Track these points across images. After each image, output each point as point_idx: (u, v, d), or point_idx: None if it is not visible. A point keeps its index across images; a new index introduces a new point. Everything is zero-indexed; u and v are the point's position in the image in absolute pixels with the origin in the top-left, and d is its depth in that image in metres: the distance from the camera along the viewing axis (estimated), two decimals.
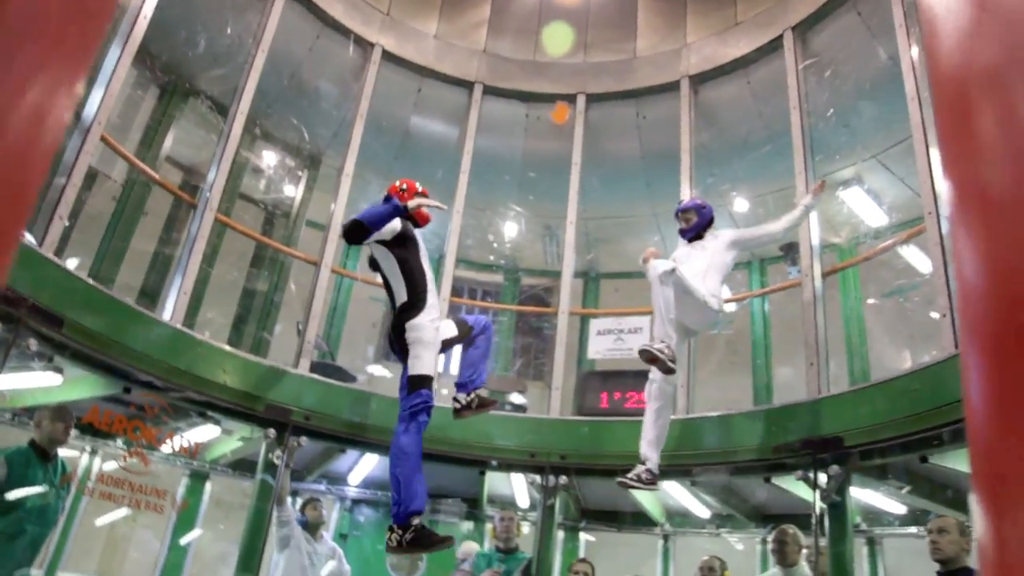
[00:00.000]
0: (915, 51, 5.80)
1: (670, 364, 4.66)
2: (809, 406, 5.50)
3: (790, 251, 8.47)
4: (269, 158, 8.50)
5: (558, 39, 8.33)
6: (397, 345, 4.42)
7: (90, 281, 5.12)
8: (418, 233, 4.73)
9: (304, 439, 5.97)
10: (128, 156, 6.31)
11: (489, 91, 8.08)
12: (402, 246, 4.49)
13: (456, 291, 7.56)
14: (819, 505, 5.18)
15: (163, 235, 7.43)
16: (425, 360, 4.29)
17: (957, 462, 5.01)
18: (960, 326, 0.76)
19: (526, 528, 6.79)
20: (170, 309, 5.71)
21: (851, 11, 6.75)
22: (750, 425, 5.80)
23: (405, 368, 4.37)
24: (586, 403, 6.66)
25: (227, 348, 6.02)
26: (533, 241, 9.42)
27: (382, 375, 8.79)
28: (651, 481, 4.91)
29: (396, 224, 4.41)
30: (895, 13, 5.98)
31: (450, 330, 4.63)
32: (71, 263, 5.24)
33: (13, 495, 4.37)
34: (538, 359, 9.21)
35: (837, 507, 5.16)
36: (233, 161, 6.53)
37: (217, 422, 6.37)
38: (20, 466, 4.47)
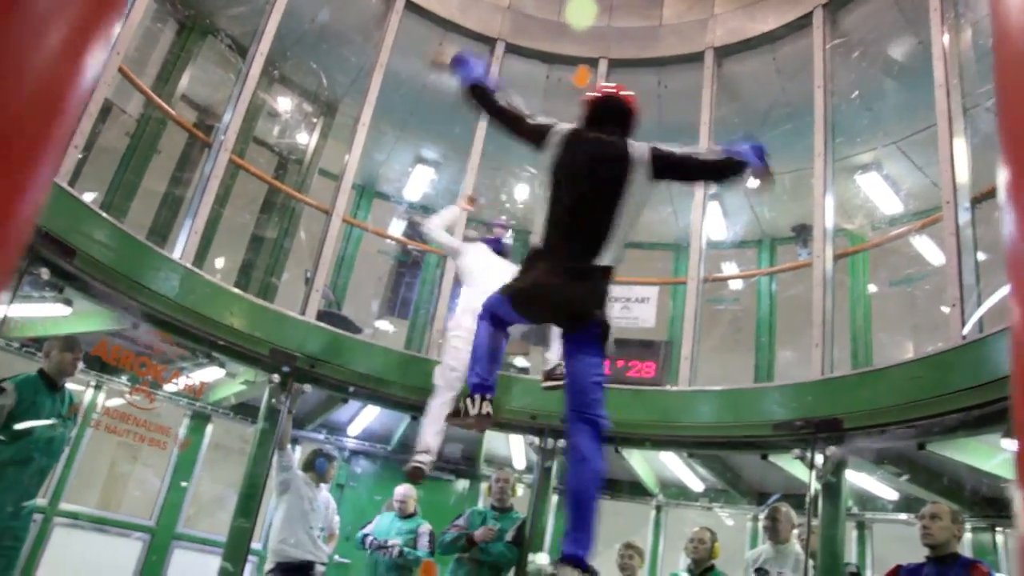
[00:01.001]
0: (947, 38, 5.70)
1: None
2: (811, 386, 5.52)
3: (802, 232, 8.44)
4: (285, 103, 8.41)
5: (581, 10, 8.19)
6: (589, 319, 3.13)
7: (103, 214, 5.10)
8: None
9: (308, 386, 6.01)
10: (145, 90, 6.26)
11: (511, 49, 7.97)
12: None
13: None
14: (814, 485, 5.24)
15: (176, 174, 7.39)
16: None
17: (955, 451, 5.05)
18: (1013, 298, 0.75)
19: (521, 490, 6.87)
20: (180, 248, 5.70)
21: None
22: (751, 401, 5.84)
23: (597, 355, 3.15)
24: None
25: (235, 290, 6.03)
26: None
27: (387, 329, 8.84)
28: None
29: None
30: None
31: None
32: (86, 196, 5.22)
33: (21, 423, 4.40)
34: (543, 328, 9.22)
35: (832, 488, 5.21)
36: (250, 103, 6.47)
37: (222, 364, 6.42)
38: (29, 394, 4.50)
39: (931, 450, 5.04)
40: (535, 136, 3.35)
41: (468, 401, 3.52)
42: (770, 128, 7.72)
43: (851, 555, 6.47)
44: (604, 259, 3.08)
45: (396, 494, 6.52)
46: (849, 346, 7.54)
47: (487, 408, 3.48)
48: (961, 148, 5.26)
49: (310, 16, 7.55)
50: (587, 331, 3.11)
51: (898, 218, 7.90)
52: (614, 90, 3.54)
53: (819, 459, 5.27)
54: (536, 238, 3.18)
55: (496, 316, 3.38)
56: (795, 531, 5.62)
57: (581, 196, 3.15)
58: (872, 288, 7.92)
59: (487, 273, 5.32)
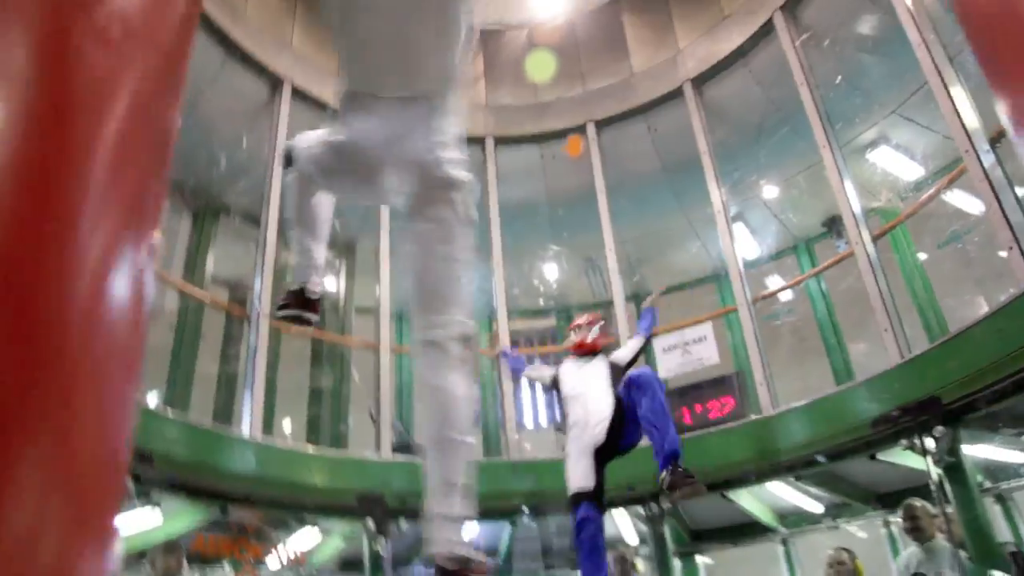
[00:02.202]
0: None
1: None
2: (896, 373, 5.34)
3: (834, 224, 8.34)
4: None
5: (541, 67, 8.46)
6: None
7: (169, 413, 5.26)
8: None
9: (403, 523, 5.96)
10: (179, 285, 6.53)
11: (500, 141, 8.21)
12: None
13: (513, 343, 7.56)
14: (935, 471, 4.99)
15: (224, 352, 7.60)
16: (572, 476, 4.12)
17: None
18: None
19: (641, 564, 6.64)
20: (247, 423, 5.81)
21: None
22: (841, 406, 5.65)
23: None
24: None
25: (308, 449, 6.09)
26: (578, 276, 9.41)
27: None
28: None
29: (545, 375, 4.83)
30: None
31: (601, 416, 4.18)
32: (150, 399, 5.39)
33: None
34: None
35: (954, 469, 4.96)
36: (274, 266, 6.71)
37: (315, 524, 6.41)
38: None
39: None
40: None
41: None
42: (767, 137, 7.77)
43: (1001, 531, 6.08)
44: None
45: None
46: (919, 321, 7.31)
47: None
48: (961, 96, 5.23)
49: None
50: None
51: (923, 181, 7.78)
52: None
53: (930, 443, 5.05)
54: None
55: None
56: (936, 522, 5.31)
57: None
58: (922, 256, 7.73)
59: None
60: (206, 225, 7.96)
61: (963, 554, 4.89)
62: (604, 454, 4.13)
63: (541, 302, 9.52)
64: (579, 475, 4.06)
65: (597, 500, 4.01)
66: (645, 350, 4.87)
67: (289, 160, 2.40)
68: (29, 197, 0.66)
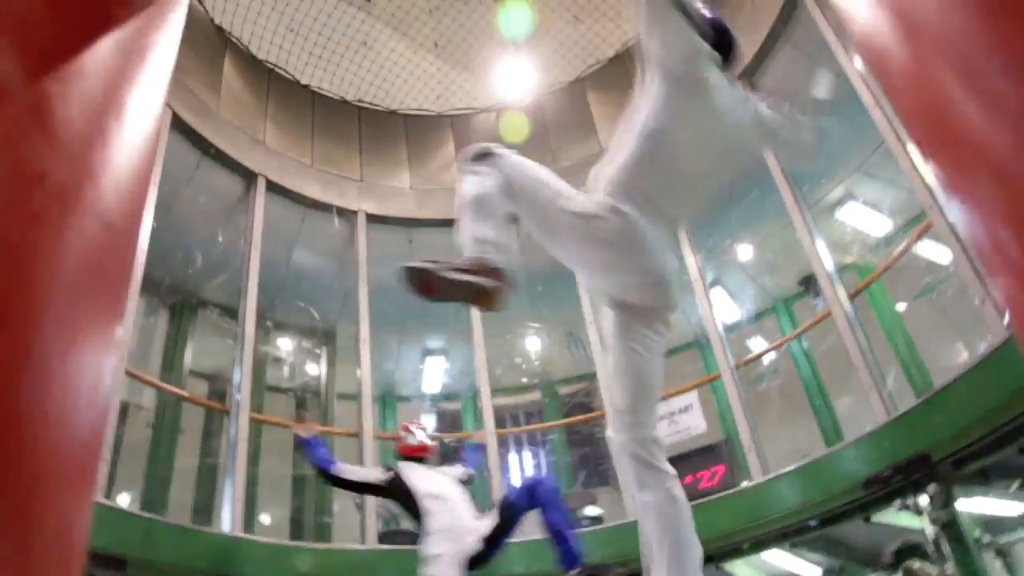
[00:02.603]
0: (858, 62, 5.96)
1: (466, 277, 2.01)
2: (884, 431, 5.28)
3: (810, 284, 8.42)
4: (286, 345, 8.64)
5: (514, 128, 8.63)
6: None
7: (144, 515, 5.10)
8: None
9: None
10: (155, 382, 6.43)
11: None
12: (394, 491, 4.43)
13: (499, 421, 7.46)
14: (930, 529, 4.90)
15: (204, 447, 7.45)
16: None
17: None
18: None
19: None
20: (228, 520, 5.64)
21: (785, 45, 7.01)
22: (831, 468, 5.57)
23: None
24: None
25: (291, 543, 5.91)
26: (559, 350, 9.39)
27: None
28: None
29: (381, 477, 4.50)
30: (827, 36, 6.20)
31: (485, 524, 4.07)
32: (122, 499, 5.24)
33: None
34: (600, 465, 8.98)
35: (951, 526, 4.86)
36: (253, 359, 6.64)
37: None
38: None
39: None
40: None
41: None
42: (738, 201, 7.91)
43: None
44: None
45: None
46: (903, 375, 7.32)
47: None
48: (917, 151, 5.35)
49: (284, 261, 7.91)
50: None
51: (893, 235, 7.91)
52: None
53: (924, 501, 4.97)
54: None
55: None
56: None
57: None
58: (900, 308, 7.79)
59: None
60: (183, 320, 7.92)
61: None
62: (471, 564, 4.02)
63: (524, 380, 9.46)
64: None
65: None
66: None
67: (484, 157, 2.25)
68: None
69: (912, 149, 5.38)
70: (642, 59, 2.32)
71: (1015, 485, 5.34)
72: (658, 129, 2.23)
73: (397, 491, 4.35)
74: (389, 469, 4.51)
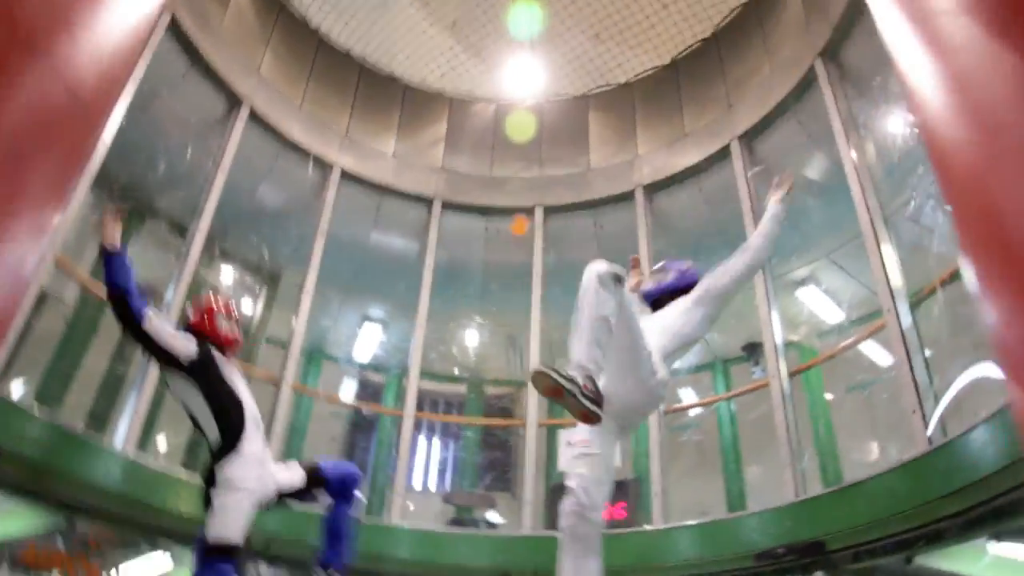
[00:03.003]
0: (855, 155, 6.06)
1: (589, 405, 2.35)
2: (789, 510, 5.37)
3: (753, 352, 8.54)
4: (228, 276, 8.39)
5: (520, 127, 8.57)
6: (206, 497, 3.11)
7: (32, 409, 4.85)
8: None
9: (263, 567, 5.60)
10: (84, 279, 6.17)
11: (448, 206, 8.20)
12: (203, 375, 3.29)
13: (419, 404, 7.37)
14: None
15: (116, 355, 7.18)
16: (230, 521, 3.04)
17: (944, 560, 4.89)
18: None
19: None
20: (122, 434, 5.43)
21: (791, 120, 7.09)
22: (729, 532, 5.63)
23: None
24: (557, 521, 6.41)
25: (181, 474, 5.71)
26: (497, 351, 9.34)
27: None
28: None
29: (191, 348, 3.27)
30: (833, 122, 6.28)
31: (292, 477, 3.32)
32: (15, 386, 4.99)
33: None
34: (506, 472, 8.95)
35: None
36: (192, 280, 6.42)
37: (168, 550, 5.96)
38: None
39: (920, 562, 4.86)
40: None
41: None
42: (705, 254, 7.93)
43: None
44: None
45: None
46: (816, 459, 7.46)
47: None
48: (890, 255, 5.46)
49: (249, 192, 7.69)
50: None
51: (842, 327, 8.06)
52: None
53: None
54: None
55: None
56: None
57: None
58: (828, 397, 7.95)
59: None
60: (130, 226, 7.62)
61: None
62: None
63: (456, 370, 9.38)
64: (240, 522, 3.05)
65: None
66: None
67: (618, 281, 2.52)
68: None
69: (887, 250, 5.48)
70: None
71: None
72: (691, 336, 3.08)
73: (204, 376, 3.25)
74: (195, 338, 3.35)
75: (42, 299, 6.22)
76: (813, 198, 7.34)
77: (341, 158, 7.87)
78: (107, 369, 7.11)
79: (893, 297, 5.29)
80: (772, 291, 6.55)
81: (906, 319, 5.19)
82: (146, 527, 5.31)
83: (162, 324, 3.23)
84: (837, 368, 7.80)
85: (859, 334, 6.66)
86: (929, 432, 4.71)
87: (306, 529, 5.84)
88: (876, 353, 7.30)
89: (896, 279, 5.37)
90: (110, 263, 3.25)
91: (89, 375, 6.97)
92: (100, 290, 6.39)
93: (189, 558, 5.94)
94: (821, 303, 8.17)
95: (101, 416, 6.65)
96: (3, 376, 5.08)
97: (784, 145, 7.23)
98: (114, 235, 3.31)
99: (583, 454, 2.76)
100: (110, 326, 7.16)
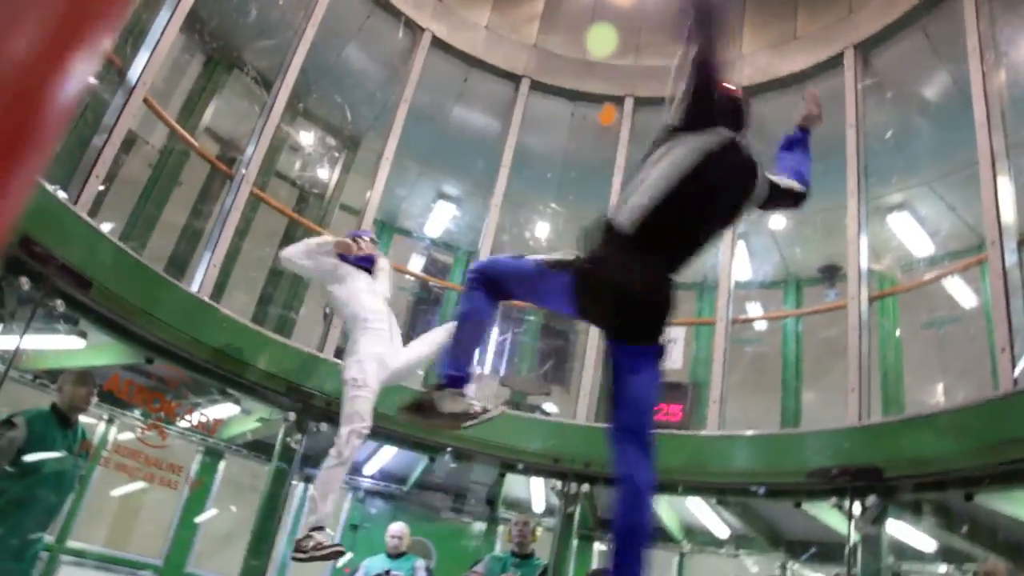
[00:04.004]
0: (985, 79, 5.57)
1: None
2: (849, 433, 5.30)
3: (830, 275, 8.27)
4: (308, 137, 8.38)
5: (602, 40, 8.15)
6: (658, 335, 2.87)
7: (122, 245, 5.00)
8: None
9: (324, 425, 5.84)
10: (169, 121, 6.21)
11: (536, 86, 7.93)
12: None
13: None
14: (853, 536, 4.99)
15: (196, 206, 7.32)
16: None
17: (1005, 504, 4.80)
18: None
19: (539, 533, 6.62)
20: (198, 282, 5.59)
21: (919, 32, 6.53)
22: (785, 448, 5.62)
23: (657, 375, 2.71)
24: None
25: (254, 327, 5.89)
26: (569, 242, 9.23)
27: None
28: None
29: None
30: (969, 39, 5.74)
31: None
32: (104, 227, 5.13)
33: (32, 458, 4.24)
34: (565, 363, 9.04)
35: (871, 540, 4.95)
36: (273, 136, 6.42)
37: (237, 401, 6.26)
38: (40, 429, 4.33)
39: (980, 502, 4.78)
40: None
41: (437, 394, 2.78)
42: None
43: None
44: (680, 275, 2.64)
45: (390, 531, 6.29)
46: (879, 390, 7.31)
47: (463, 406, 2.81)
48: (1006, 188, 5.10)
49: (336, 51, 7.55)
50: (652, 348, 2.61)
51: (929, 259, 7.71)
52: (736, 90, 2.99)
53: (857, 508, 5.04)
54: (625, 220, 2.54)
55: (499, 287, 2.74)
56: None
57: (706, 201, 2.67)
58: (903, 330, 7.70)
59: (376, 303, 4.83)
60: (216, 73, 7.61)
61: None
62: None
63: (524, 255, 9.33)
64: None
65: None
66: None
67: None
68: None
69: (1003, 182, 5.11)
70: None
71: (962, 530, 5.42)
72: None
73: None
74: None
75: (130, 141, 6.31)
76: (926, 119, 6.87)
77: (433, 24, 7.60)
78: (186, 221, 7.27)
79: (1001, 232, 4.98)
80: (864, 212, 6.24)
81: (1011, 257, 4.89)
82: (218, 375, 5.53)
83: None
84: (915, 302, 7.52)
85: (947, 268, 6.37)
86: (1016, 373, 4.52)
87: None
88: (959, 291, 6.99)
89: (1008, 214, 5.03)
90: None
91: (169, 225, 7.14)
92: (187, 136, 6.46)
93: (255, 409, 6.25)
94: (911, 232, 7.77)
95: (180, 265, 6.85)
96: (94, 213, 5.22)
97: (904, 59, 6.70)
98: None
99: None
100: (192, 176, 7.31)
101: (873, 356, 6.89)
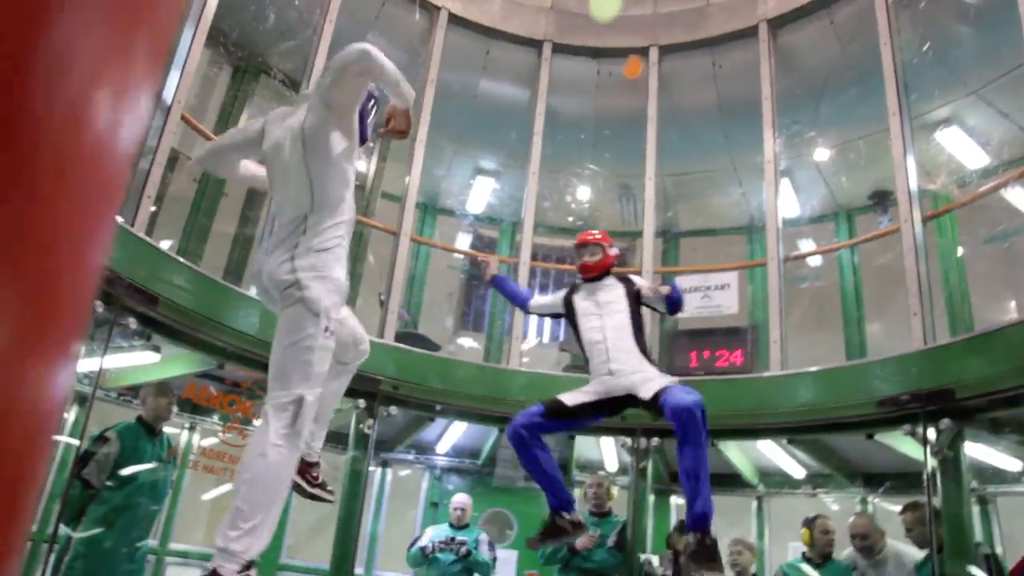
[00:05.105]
0: None
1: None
2: (915, 357, 5.22)
3: (881, 200, 8.08)
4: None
5: (604, 3, 8.00)
6: None
7: (182, 260, 5.22)
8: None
9: (393, 408, 6.01)
10: (208, 135, 6.38)
11: (558, 49, 7.88)
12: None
13: (533, 256, 7.43)
14: (930, 462, 4.93)
15: (244, 213, 7.53)
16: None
17: None
18: None
19: (616, 492, 6.72)
20: (255, 290, 5.78)
21: None
22: (851, 379, 5.56)
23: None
24: (675, 363, 6.51)
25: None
26: (611, 201, 9.21)
27: (465, 345, 8.85)
28: None
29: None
30: None
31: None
32: (163, 244, 5.35)
33: (126, 470, 4.51)
34: None
35: (949, 464, 4.89)
36: None
37: None
38: (130, 441, 4.61)
39: None
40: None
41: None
42: (834, 95, 7.43)
43: (976, 533, 6.08)
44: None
45: (454, 503, 6.47)
46: (946, 312, 7.14)
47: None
48: None
49: (356, 41, 7.60)
50: None
51: (985, 171, 7.45)
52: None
53: (932, 434, 4.98)
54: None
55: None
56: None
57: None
58: (964, 247, 7.49)
59: None
60: (245, 81, 7.76)
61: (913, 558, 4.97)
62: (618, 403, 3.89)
63: (570, 219, 9.34)
64: (573, 392, 3.90)
65: (554, 416, 3.83)
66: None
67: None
68: None
69: None
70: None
71: (1020, 441, 5.33)
72: None
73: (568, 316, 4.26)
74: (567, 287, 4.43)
75: (173, 158, 6.52)
76: (965, 26, 6.61)
77: (448, 1, 7.60)
78: (236, 231, 7.49)
79: None
80: (908, 131, 6.07)
81: None
82: None
83: (541, 301, 4.57)
84: (974, 218, 7.29)
85: (1005, 177, 6.16)
86: None
87: (428, 374, 6.20)
88: (1021, 200, 6.75)
89: None
90: (499, 284, 4.68)
91: (220, 236, 7.36)
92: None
93: None
94: (964, 145, 7.50)
95: (236, 272, 7.08)
96: (150, 232, 5.43)
97: None
98: (493, 266, 4.66)
99: None
100: (235, 187, 7.52)
101: (934, 278, 6.75)
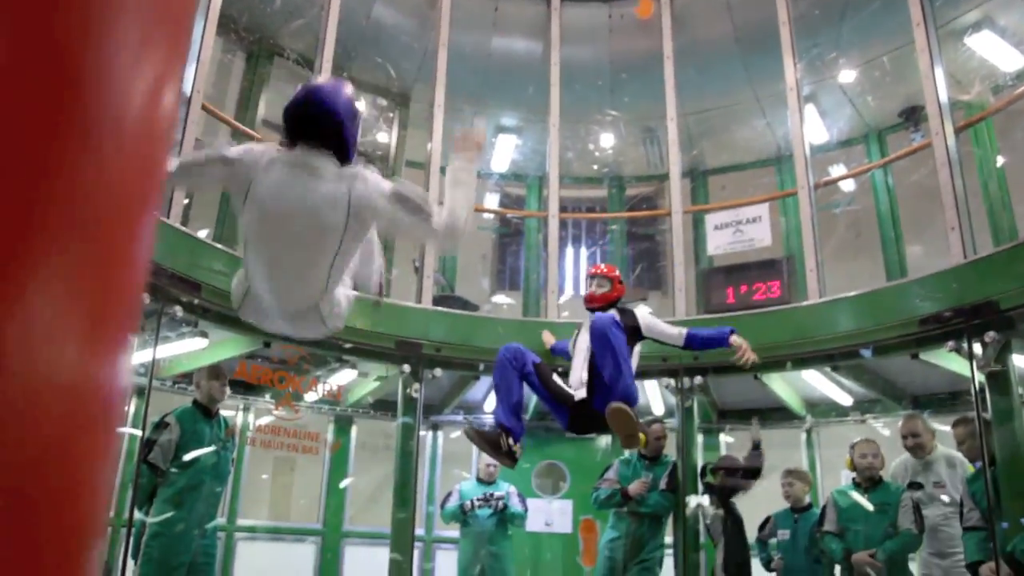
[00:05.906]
0: None
1: None
2: (956, 272, 5.14)
3: (912, 116, 7.87)
4: (360, 103, 8.53)
5: None
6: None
7: (219, 246, 5.36)
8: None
9: (438, 371, 6.14)
10: (230, 121, 6.48)
11: None
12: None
13: (562, 208, 7.44)
14: (978, 377, 4.89)
15: None
16: None
17: None
18: None
19: (667, 434, 6.78)
20: None
21: None
22: (891, 300, 5.51)
23: None
24: (712, 301, 6.51)
25: (354, 293, 6.18)
26: (634, 145, 9.13)
27: (503, 303, 8.93)
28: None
29: None
30: None
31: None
32: (199, 233, 5.50)
33: (188, 453, 4.72)
34: (657, 263, 9.05)
35: (998, 377, 4.84)
36: None
37: (354, 365, 6.64)
38: (189, 425, 4.81)
39: None
40: None
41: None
42: (854, 12, 7.21)
43: None
44: None
45: (486, 459, 6.59)
46: (987, 225, 6.98)
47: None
48: None
49: (365, 14, 7.60)
50: None
51: (1020, 74, 7.18)
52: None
53: (978, 348, 4.93)
54: None
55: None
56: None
57: None
58: (1004, 156, 7.26)
59: None
60: (260, 66, 7.81)
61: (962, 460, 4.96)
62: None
63: (595, 167, 9.28)
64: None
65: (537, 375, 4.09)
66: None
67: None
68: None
69: None
70: None
71: None
72: None
73: None
74: None
75: (199, 147, 6.63)
76: None
77: None
78: None
79: None
80: (937, 40, 5.88)
81: None
82: (330, 344, 5.87)
83: None
84: (1012, 124, 7.05)
85: None
86: None
87: (469, 334, 6.30)
88: None
89: None
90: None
91: None
92: (248, 130, 6.73)
93: (372, 369, 6.62)
94: (997, 48, 7.20)
95: None
96: (185, 222, 5.57)
97: None
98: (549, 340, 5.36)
99: None
100: None
101: (973, 190, 6.59)
